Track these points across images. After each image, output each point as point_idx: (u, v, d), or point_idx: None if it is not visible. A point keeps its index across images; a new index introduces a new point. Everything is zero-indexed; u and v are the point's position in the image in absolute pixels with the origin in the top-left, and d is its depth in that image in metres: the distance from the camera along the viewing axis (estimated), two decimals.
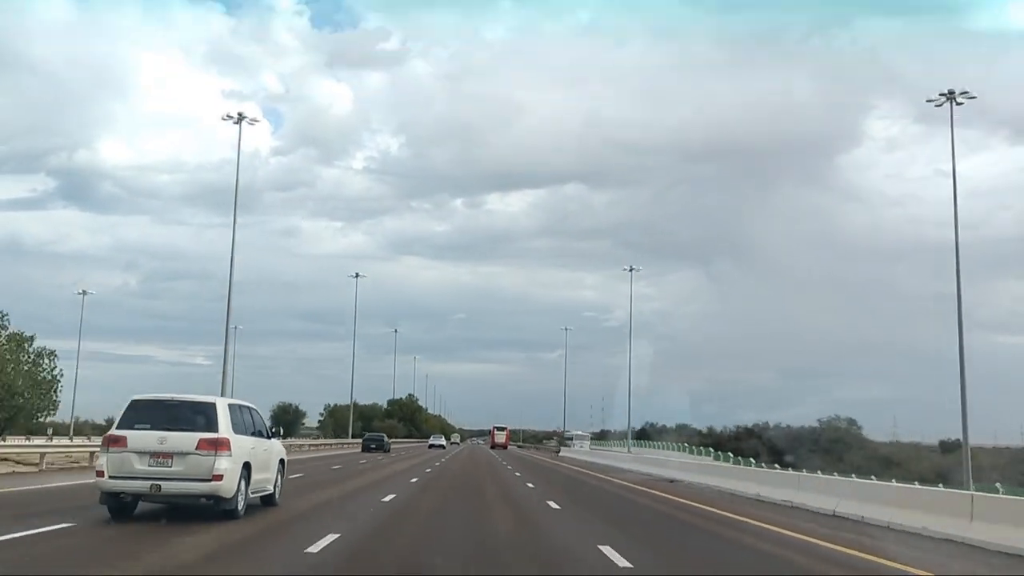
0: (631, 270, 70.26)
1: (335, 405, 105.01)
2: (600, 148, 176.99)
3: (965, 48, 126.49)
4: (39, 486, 18.06)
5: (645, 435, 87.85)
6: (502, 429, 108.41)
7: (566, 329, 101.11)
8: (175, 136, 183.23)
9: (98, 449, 14.04)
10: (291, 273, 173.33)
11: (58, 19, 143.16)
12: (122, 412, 11.91)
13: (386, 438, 68.45)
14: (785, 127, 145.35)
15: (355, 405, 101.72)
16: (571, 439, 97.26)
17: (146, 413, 11.70)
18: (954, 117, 37.21)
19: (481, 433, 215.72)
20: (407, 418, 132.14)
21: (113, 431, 11.77)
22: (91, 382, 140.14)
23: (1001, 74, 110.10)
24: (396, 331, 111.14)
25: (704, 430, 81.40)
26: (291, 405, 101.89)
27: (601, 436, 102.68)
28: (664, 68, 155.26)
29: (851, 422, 63.49)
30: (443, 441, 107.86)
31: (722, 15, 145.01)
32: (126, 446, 11.28)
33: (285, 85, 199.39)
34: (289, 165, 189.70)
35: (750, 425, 74.77)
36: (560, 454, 72.91)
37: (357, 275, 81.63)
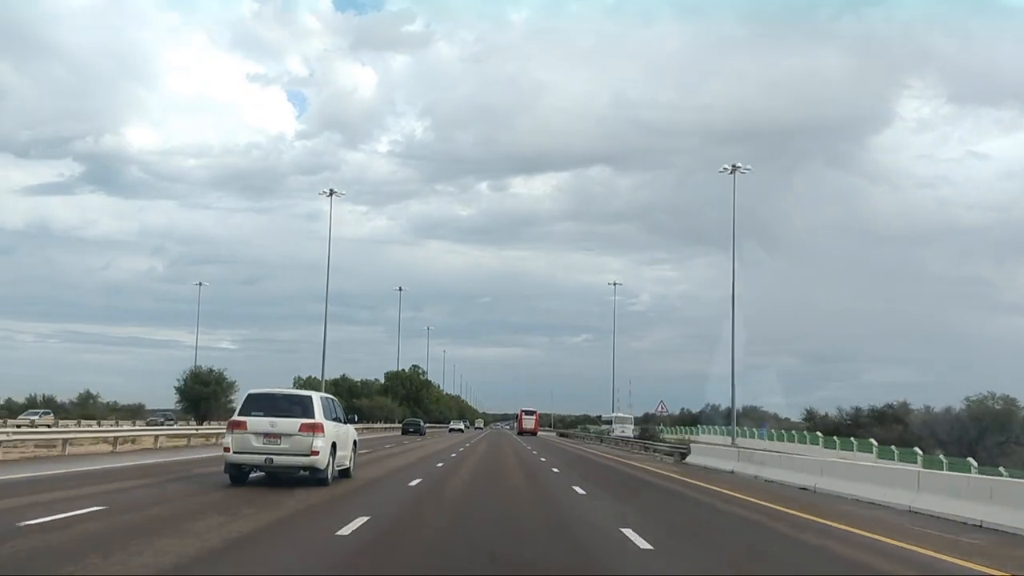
0: (737, 170, 45.20)
1: (309, 377, 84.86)
2: (625, 129, 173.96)
3: (1001, 25, 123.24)
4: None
5: (697, 421, 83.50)
6: (531, 413, 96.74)
7: (615, 296, 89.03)
8: (201, 120, 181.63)
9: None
10: (315, 256, 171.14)
11: (83, 5, 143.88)
12: (241, 402, 16.06)
13: (422, 423, 77.26)
14: (814, 107, 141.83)
15: (343, 380, 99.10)
16: (611, 423, 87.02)
17: (260, 403, 15.79)
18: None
19: (505, 418, 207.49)
20: (411, 396, 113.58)
21: (235, 417, 15.71)
22: (118, 366, 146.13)
23: None
24: (400, 289, 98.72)
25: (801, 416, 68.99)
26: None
27: (645, 420, 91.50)
28: (691, 47, 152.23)
29: (1009, 400, 49.40)
30: (462, 425, 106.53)
31: None
32: (246, 429, 15.33)
33: (309, 68, 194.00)
34: (313, 148, 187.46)
35: (882, 406, 58.58)
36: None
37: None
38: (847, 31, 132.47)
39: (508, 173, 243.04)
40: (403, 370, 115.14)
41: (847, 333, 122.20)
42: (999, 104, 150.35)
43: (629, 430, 78.62)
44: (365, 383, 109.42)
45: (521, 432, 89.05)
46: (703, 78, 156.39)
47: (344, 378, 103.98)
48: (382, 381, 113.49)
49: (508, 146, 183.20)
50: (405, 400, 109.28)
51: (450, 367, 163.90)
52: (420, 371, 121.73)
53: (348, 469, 17.90)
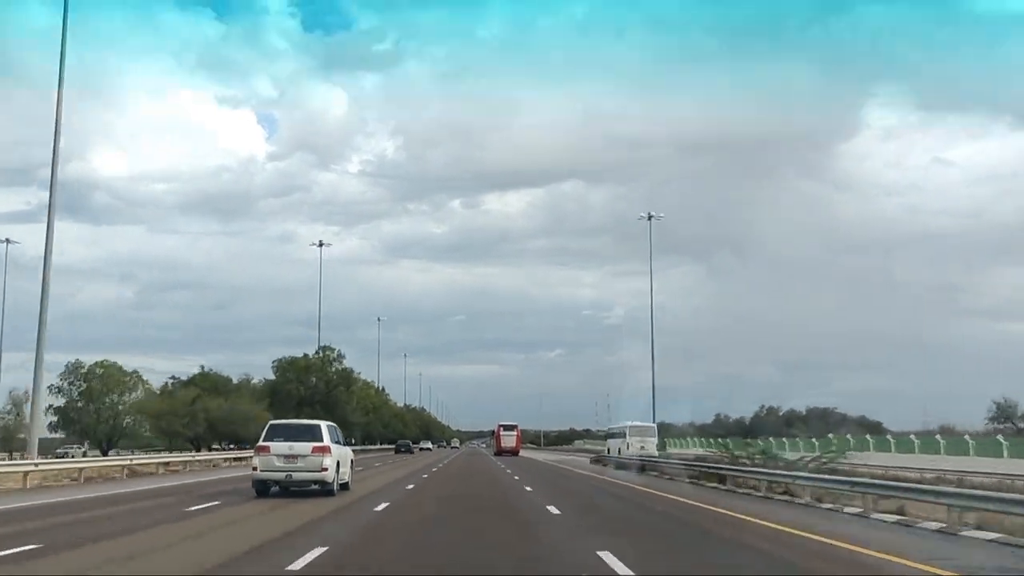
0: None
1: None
2: (598, 143, 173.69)
3: (966, 33, 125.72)
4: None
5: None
6: (511, 428, 78.90)
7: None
8: (169, 144, 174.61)
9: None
10: (287, 280, 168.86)
11: (44, 27, 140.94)
12: (264, 430, 20.05)
13: (411, 444, 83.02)
14: (784, 117, 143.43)
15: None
16: (619, 436, 59.79)
17: (279, 431, 19.83)
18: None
19: (481, 435, 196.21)
20: (326, 402, 72.24)
21: (261, 443, 19.56)
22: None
23: (1003, 58, 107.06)
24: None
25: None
26: None
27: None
28: (661, 60, 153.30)
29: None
30: (430, 445, 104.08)
31: (720, 5, 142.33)
32: (270, 452, 19.32)
33: (279, 89, 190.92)
34: (285, 170, 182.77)
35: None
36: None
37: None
38: (814, 41, 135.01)
39: (481, 190, 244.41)
40: (306, 355, 77.06)
41: (819, 341, 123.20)
42: (966, 111, 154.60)
43: (652, 445, 54.31)
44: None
45: (500, 452, 73.37)
46: (674, 90, 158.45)
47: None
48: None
49: (480, 163, 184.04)
50: (303, 405, 67.79)
51: (424, 385, 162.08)
52: (333, 355, 78.80)
53: (347, 483, 21.60)
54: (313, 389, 75.24)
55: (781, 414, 79.74)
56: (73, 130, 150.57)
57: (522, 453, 75.20)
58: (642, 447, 52.81)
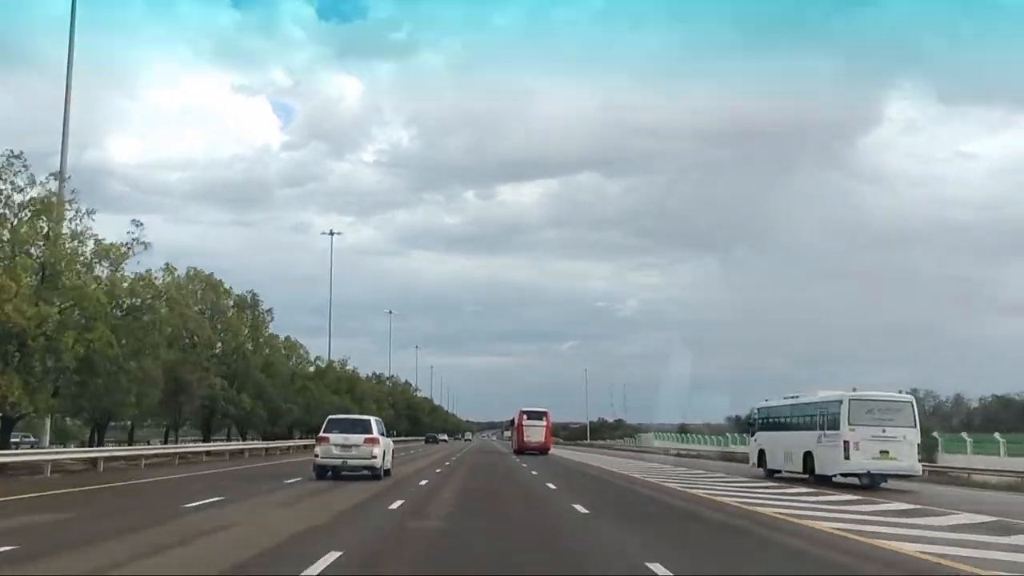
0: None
1: None
2: (615, 135, 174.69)
3: (990, 25, 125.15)
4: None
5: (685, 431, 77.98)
6: (538, 417, 58.92)
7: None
8: (184, 132, 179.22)
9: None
10: (302, 269, 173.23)
11: (62, 15, 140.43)
12: (325, 423, 25.13)
13: (438, 435, 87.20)
14: (804, 109, 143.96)
15: None
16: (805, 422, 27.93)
17: (336, 423, 24.97)
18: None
19: (492, 427, 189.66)
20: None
21: (321, 434, 24.13)
22: None
23: None
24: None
25: None
26: None
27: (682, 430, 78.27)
28: (681, 51, 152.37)
29: None
30: (444, 437, 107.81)
31: None
32: (329, 442, 24.27)
33: (294, 78, 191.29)
34: (300, 160, 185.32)
35: None
36: None
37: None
38: (837, 33, 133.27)
39: (496, 181, 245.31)
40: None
41: (837, 334, 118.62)
42: (988, 103, 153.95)
43: (910, 447, 25.01)
44: None
45: (522, 450, 56.01)
46: (693, 81, 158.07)
47: None
48: None
49: (495, 154, 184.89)
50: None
51: (436, 378, 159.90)
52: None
53: (390, 469, 25.86)
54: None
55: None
56: (89, 118, 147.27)
57: (553, 451, 59.88)
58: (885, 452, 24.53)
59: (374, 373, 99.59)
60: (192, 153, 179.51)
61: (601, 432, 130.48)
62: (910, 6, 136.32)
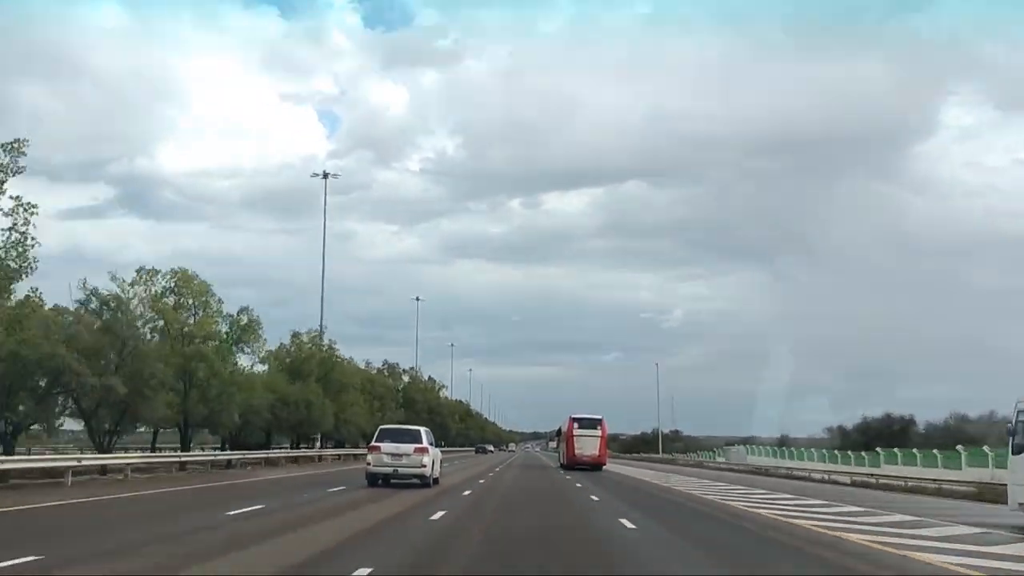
0: None
1: None
2: (662, 143, 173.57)
3: None
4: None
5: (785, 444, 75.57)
6: (592, 425, 51.30)
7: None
8: (233, 141, 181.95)
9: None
10: (346, 277, 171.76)
11: (114, 27, 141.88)
12: (376, 433, 26.27)
13: (489, 447, 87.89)
14: (857, 116, 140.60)
15: None
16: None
17: (387, 433, 26.08)
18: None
19: (536, 437, 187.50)
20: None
21: (373, 443, 25.52)
22: None
23: None
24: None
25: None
26: None
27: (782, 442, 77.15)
28: (730, 57, 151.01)
29: None
30: (491, 447, 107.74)
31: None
32: (380, 451, 25.37)
33: (340, 87, 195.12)
34: (345, 168, 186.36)
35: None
36: None
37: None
38: (891, 37, 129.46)
39: (541, 190, 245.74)
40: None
41: (889, 348, 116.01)
42: None
43: None
44: None
45: (573, 463, 49.10)
46: (743, 88, 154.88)
47: None
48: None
49: (541, 162, 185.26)
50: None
51: (477, 385, 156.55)
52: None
53: (438, 478, 26.75)
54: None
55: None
56: (141, 127, 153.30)
57: (609, 466, 52.81)
58: None
59: (385, 363, 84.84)
60: (240, 161, 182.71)
61: (654, 444, 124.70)
62: (967, 10, 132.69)
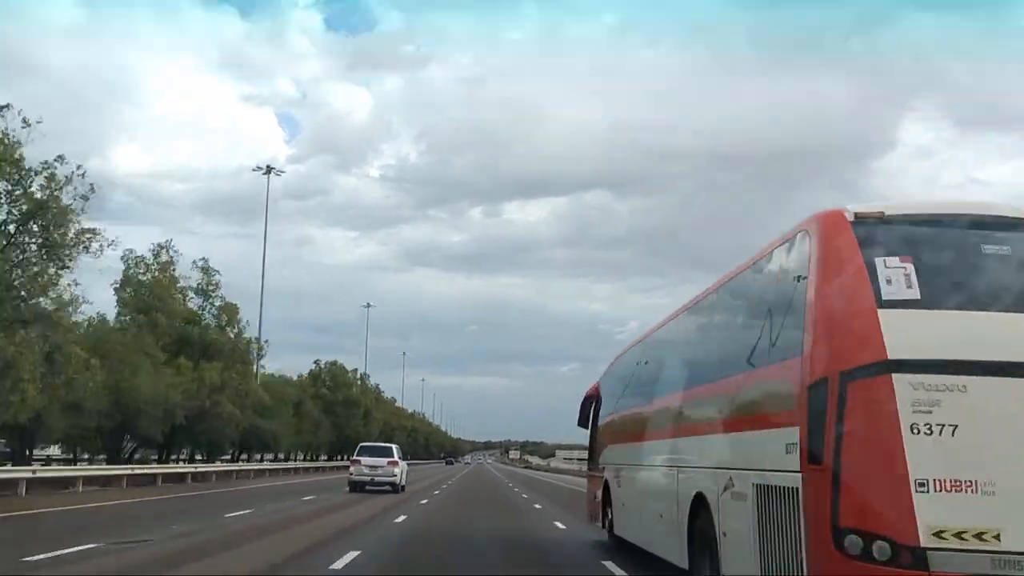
0: None
1: None
2: (626, 154, 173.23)
3: (1013, 46, 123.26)
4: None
5: None
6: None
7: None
8: (189, 143, 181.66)
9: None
10: (303, 284, 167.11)
11: (68, 24, 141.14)
12: (356, 449, 32.10)
13: (454, 458, 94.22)
14: (817, 131, 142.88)
15: None
16: None
17: (366, 449, 31.92)
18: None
19: (488, 447, 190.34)
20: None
21: (354, 457, 31.57)
22: None
23: None
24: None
25: None
26: None
27: None
28: (694, 70, 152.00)
29: None
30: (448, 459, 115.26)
31: (760, 14, 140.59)
32: (361, 463, 31.17)
33: (301, 90, 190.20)
34: (305, 173, 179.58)
35: None
36: None
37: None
38: (855, 54, 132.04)
39: (503, 198, 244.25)
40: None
41: None
42: (1004, 129, 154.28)
43: None
44: None
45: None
46: (707, 101, 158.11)
47: None
48: None
49: (504, 170, 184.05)
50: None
51: (430, 394, 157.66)
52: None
53: (404, 486, 32.05)
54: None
55: None
56: (95, 126, 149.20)
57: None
58: None
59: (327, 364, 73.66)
60: (196, 163, 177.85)
61: None
62: (932, 29, 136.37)
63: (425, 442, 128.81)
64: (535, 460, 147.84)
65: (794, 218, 6.33)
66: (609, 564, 11.29)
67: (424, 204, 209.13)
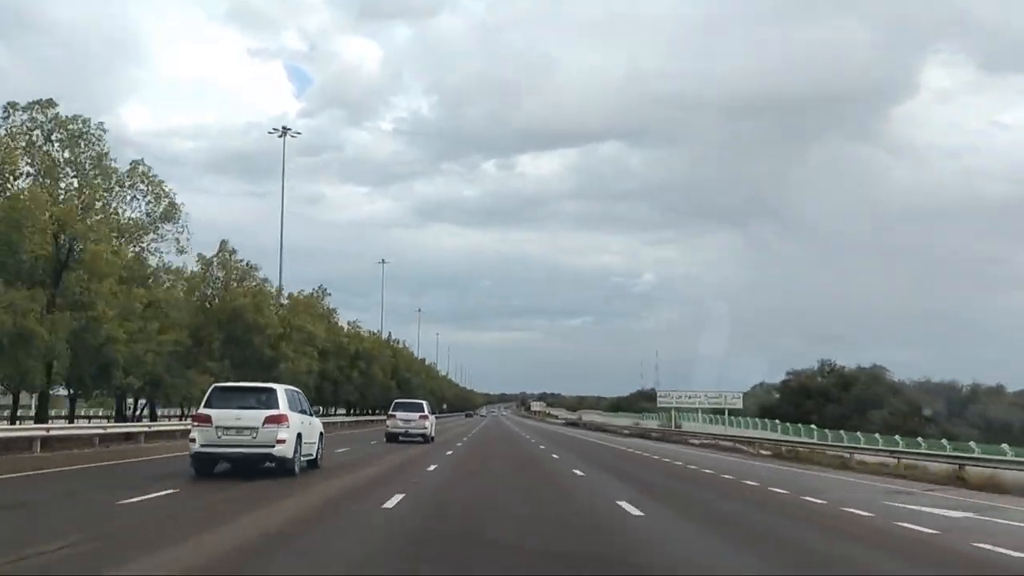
0: None
1: None
2: (640, 104, 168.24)
3: None
4: None
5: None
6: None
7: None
8: (198, 100, 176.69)
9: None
10: (314, 241, 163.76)
11: None
12: (392, 405, 34.45)
13: (474, 411, 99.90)
14: (837, 78, 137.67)
15: None
16: None
17: (400, 405, 34.56)
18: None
19: (504, 400, 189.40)
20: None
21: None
22: None
23: None
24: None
25: None
26: None
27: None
28: (710, 16, 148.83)
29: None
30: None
31: None
32: (396, 418, 33.37)
33: (310, 43, 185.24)
34: (316, 128, 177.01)
35: None
36: None
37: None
38: None
39: (516, 150, 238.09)
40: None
41: (857, 313, 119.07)
42: (1022, 71, 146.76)
43: None
44: None
45: None
46: (723, 48, 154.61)
47: None
48: None
49: (517, 122, 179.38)
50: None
51: (446, 350, 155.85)
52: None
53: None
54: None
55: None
56: (103, 84, 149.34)
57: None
58: None
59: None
60: (206, 121, 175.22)
61: (627, 408, 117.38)
62: None
63: (442, 395, 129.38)
64: (562, 414, 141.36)
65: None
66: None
67: (437, 158, 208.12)
